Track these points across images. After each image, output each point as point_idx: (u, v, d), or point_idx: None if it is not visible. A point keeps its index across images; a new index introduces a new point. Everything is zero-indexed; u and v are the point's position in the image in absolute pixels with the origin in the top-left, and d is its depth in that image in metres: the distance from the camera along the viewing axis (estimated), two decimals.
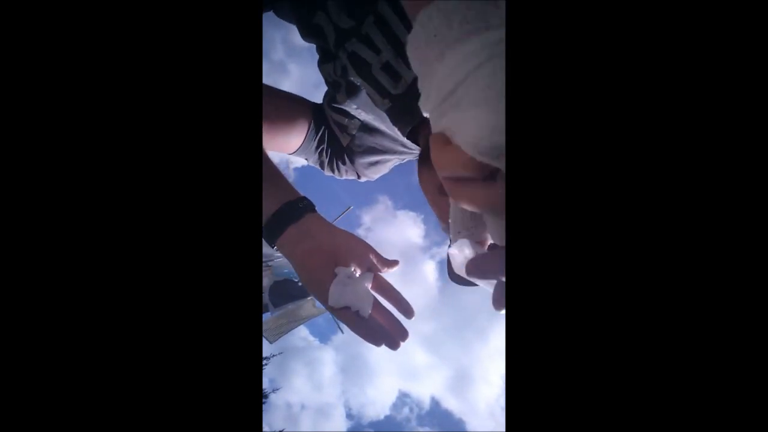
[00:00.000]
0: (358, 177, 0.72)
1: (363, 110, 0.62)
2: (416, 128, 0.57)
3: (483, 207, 0.25)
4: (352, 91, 0.60)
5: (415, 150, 0.65)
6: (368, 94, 0.57)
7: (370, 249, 0.48)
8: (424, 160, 0.54)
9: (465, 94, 0.23)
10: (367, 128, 0.65)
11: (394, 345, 0.44)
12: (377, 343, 0.43)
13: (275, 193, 0.47)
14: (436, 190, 0.52)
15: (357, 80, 0.56)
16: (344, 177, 0.72)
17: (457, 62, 0.23)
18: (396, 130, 0.60)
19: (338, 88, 0.60)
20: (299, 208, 0.47)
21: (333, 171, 0.71)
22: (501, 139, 0.21)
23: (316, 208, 0.49)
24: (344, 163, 0.69)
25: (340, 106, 0.63)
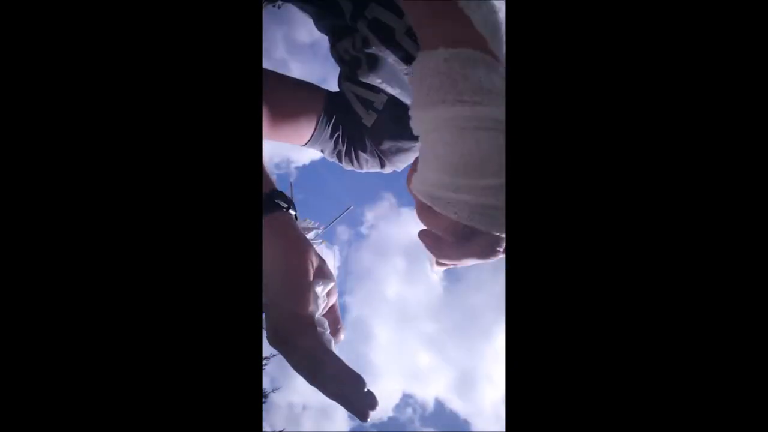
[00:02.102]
0: (382, 166, 0.64)
1: (388, 84, 0.56)
2: None
3: (456, 261, 0.29)
4: (373, 65, 0.54)
5: None
6: (393, 63, 0.52)
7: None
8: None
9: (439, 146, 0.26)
10: (394, 105, 0.58)
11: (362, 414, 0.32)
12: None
13: None
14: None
15: (380, 50, 0.51)
16: (365, 169, 0.64)
17: (444, 119, 0.25)
18: None
19: (358, 63, 0.55)
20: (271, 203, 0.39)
21: (352, 161, 0.62)
22: (448, 195, 0.26)
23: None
24: (364, 150, 0.62)
25: (362, 80, 0.56)
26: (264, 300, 0.33)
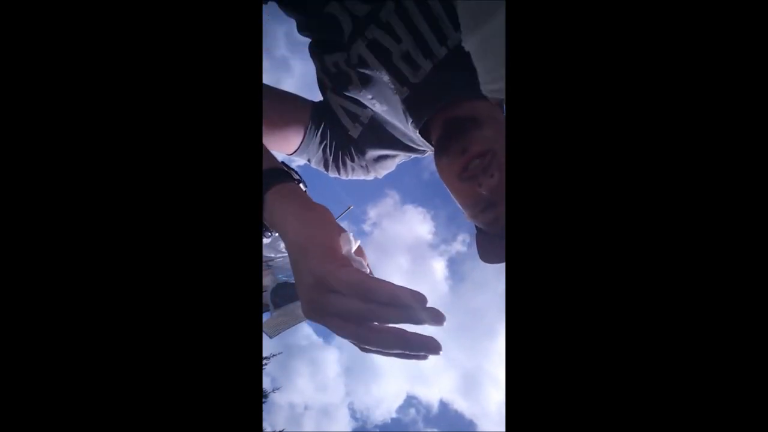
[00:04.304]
0: (367, 173, 0.68)
1: (377, 101, 0.59)
2: (429, 121, 0.57)
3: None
4: (366, 82, 0.57)
5: (421, 146, 0.64)
6: (388, 82, 0.56)
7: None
8: (441, 152, 0.54)
9: None
10: (380, 120, 0.62)
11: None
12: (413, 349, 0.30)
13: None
14: (455, 180, 0.53)
15: (374, 69, 0.55)
16: (350, 176, 0.68)
17: None
18: (406, 124, 0.59)
19: (348, 78, 0.58)
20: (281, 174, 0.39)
21: (338, 169, 0.67)
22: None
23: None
24: (351, 159, 0.66)
25: (352, 95, 0.60)
26: (297, 265, 0.32)
